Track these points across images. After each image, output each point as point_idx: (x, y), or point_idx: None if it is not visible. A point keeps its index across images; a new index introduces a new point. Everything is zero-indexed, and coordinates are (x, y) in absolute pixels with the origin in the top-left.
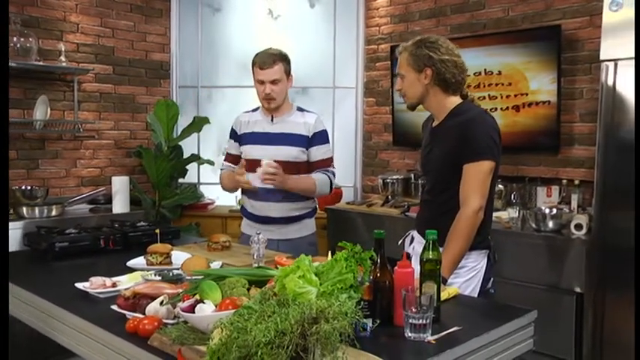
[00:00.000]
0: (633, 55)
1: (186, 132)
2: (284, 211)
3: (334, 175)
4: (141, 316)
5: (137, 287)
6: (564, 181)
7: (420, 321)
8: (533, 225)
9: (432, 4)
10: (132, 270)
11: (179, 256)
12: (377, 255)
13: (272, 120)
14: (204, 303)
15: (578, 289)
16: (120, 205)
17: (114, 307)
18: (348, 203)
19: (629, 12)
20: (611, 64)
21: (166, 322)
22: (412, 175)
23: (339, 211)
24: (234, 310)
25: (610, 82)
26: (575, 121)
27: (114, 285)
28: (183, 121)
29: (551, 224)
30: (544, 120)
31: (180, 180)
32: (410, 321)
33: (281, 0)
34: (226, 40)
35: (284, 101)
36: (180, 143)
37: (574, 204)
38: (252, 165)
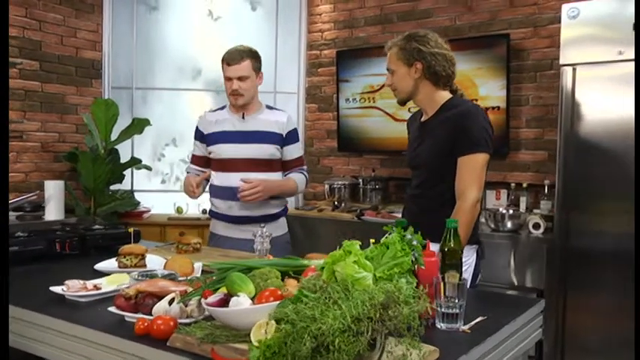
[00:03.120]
0: (590, 60)
1: (126, 134)
2: (262, 210)
3: (308, 173)
4: (147, 317)
5: (140, 286)
6: (512, 185)
7: (453, 310)
8: (492, 225)
9: (378, 11)
10: (102, 274)
11: (150, 259)
12: None
13: (243, 117)
14: (237, 296)
15: (539, 287)
16: (54, 212)
17: (111, 308)
18: (297, 209)
19: (586, 20)
20: (569, 69)
21: (181, 321)
22: (360, 181)
23: (292, 217)
24: (279, 302)
25: (569, 87)
26: (522, 126)
27: (96, 287)
28: (117, 124)
29: (509, 224)
30: (494, 125)
31: (113, 187)
32: (443, 310)
33: (222, 1)
34: (163, 40)
35: (254, 99)
36: (115, 147)
37: (522, 206)
38: (224, 165)
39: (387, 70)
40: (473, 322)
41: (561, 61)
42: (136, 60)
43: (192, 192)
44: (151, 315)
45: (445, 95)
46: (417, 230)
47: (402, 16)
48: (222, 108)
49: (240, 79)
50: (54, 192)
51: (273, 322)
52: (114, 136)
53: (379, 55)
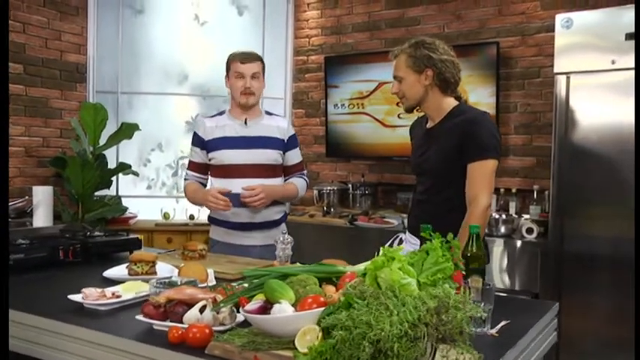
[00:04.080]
0: (585, 69)
1: (114, 139)
2: (266, 216)
3: (308, 178)
4: (179, 325)
5: (170, 294)
6: (502, 190)
7: (482, 314)
8: (486, 230)
9: (366, 18)
10: (112, 281)
11: (159, 267)
12: None
13: (245, 123)
14: (279, 303)
15: (534, 291)
16: (42, 218)
17: (139, 317)
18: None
19: (579, 30)
20: (563, 77)
21: (214, 329)
22: (350, 186)
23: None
24: (323, 308)
25: (563, 94)
26: (510, 133)
27: (115, 295)
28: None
29: (503, 229)
30: None
31: (99, 192)
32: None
33: (208, 6)
34: (149, 44)
35: (258, 103)
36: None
37: (512, 211)
38: (227, 171)
39: (394, 77)
40: (499, 326)
41: (555, 70)
42: (122, 64)
43: (226, 206)
44: (182, 323)
45: (452, 102)
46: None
47: (391, 23)
48: (221, 114)
49: (253, 76)
50: (43, 198)
51: (318, 328)
52: (102, 141)
53: (368, 61)
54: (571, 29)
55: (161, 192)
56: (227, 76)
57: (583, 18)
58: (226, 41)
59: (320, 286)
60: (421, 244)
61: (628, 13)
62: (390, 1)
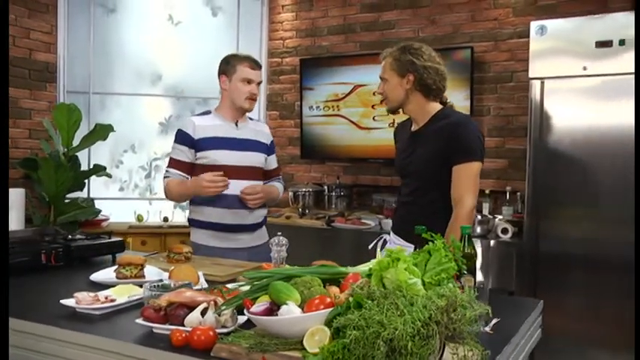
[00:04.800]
0: (558, 74)
1: (88, 140)
2: (254, 218)
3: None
4: (180, 328)
5: (170, 297)
6: None
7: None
8: None
9: (341, 21)
10: (99, 285)
11: (147, 270)
12: None
13: (237, 125)
14: (286, 305)
15: (509, 289)
16: (15, 221)
17: (139, 320)
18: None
19: (552, 37)
20: (538, 82)
21: (218, 331)
22: (325, 188)
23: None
24: (331, 309)
25: (537, 99)
26: (484, 135)
27: (109, 300)
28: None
29: (479, 229)
30: None
31: (70, 195)
32: None
33: (182, 6)
34: (122, 44)
35: None
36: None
37: (486, 212)
38: (215, 170)
39: (380, 78)
40: (492, 323)
41: (530, 75)
42: (94, 63)
43: (224, 185)
44: (183, 326)
45: (436, 106)
46: (410, 236)
47: (366, 27)
48: (206, 113)
49: (258, 84)
50: (15, 200)
51: (326, 328)
52: (75, 142)
53: (343, 64)
54: (545, 36)
55: (134, 194)
56: (226, 76)
57: (556, 26)
58: (200, 42)
59: (323, 287)
60: (415, 247)
61: (598, 23)
62: (366, 5)
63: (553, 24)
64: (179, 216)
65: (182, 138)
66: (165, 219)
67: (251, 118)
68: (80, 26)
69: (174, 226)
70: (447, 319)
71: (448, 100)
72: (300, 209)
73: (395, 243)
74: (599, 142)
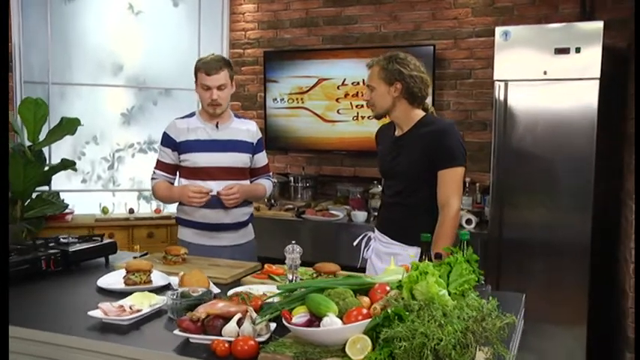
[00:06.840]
0: (520, 77)
1: (56, 135)
2: (236, 217)
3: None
4: (220, 338)
5: (207, 309)
6: None
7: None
8: None
9: (304, 14)
10: (111, 292)
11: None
12: (425, 257)
13: (217, 127)
14: (327, 316)
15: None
16: None
17: (177, 331)
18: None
19: (516, 42)
20: (502, 84)
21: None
22: (292, 179)
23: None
24: (369, 320)
25: (502, 99)
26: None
27: (135, 310)
28: None
29: None
30: None
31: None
32: None
33: None
34: (80, 33)
35: (227, 107)
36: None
37: None
38: (197, 173)
39: (367, 86)
40: None
41: (495, 77)
42: (52, 53)
43: (201, 201)
44: (220, 336)
45: (419, 113)
46: (395, 235)
47: (328, 21)
48: (191, 115)
49: (219, 88)
50: None
51: (367, 337)
52: (41, 137)
53: (307, 57)
54: (508, 41)
55: (97, 185)
56: (195, 82)
57: (519, 32)
58: (162, 32)
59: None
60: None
61: (557, 31)
62: None
63: (516, 30)
64: (145, 207)
65: (166, 141)
66: (131, 210)
67: (238, 116)
68: (36, 14)
69: (140, 217)
70: (482, 329)
71: (429, 107)
72: (266, 200)
73: (380, 240)
74: (557, 137)
